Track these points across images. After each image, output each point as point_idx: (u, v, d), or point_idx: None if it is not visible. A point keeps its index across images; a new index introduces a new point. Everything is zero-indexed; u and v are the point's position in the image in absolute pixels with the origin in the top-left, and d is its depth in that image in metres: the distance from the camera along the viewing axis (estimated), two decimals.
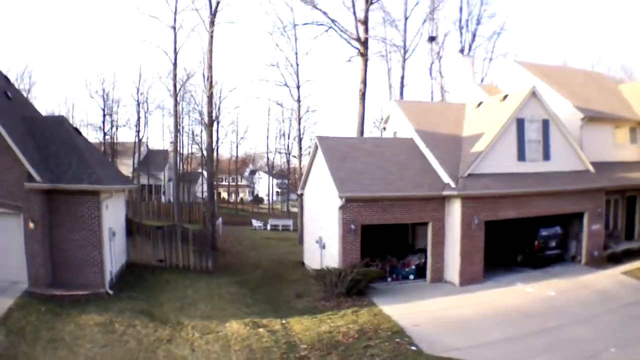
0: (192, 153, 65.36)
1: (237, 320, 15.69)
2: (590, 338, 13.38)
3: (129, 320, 14.75)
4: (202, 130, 54.38)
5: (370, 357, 12.47)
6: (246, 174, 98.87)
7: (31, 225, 16.28)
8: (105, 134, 54.02)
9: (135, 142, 55.20)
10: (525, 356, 12.33)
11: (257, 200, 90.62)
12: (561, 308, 16.14)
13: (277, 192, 79.83)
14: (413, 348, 12.97)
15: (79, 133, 23.50)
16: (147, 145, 61.79)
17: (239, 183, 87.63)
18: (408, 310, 16.19)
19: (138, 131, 52.87)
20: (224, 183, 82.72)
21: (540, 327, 14.42)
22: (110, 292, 17.48)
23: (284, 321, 15.91)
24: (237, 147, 74.46)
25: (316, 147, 22.83)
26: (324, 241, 20.96)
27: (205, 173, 67.51)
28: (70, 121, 42.45)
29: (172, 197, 60.24)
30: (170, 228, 24.89)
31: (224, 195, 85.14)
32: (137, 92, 52.13)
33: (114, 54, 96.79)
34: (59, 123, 20.51)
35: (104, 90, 54.27)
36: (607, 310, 15.73)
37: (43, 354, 12.12)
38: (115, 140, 56.21)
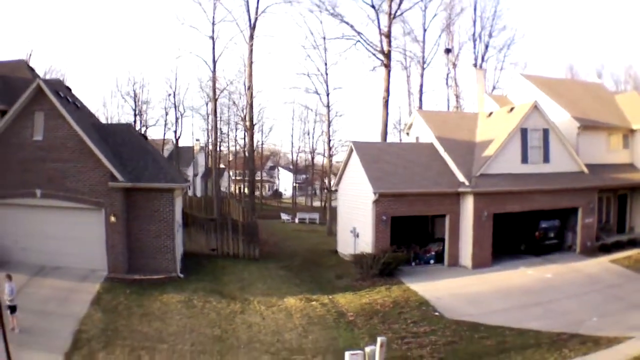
0: (220, 150, 68.32)
1: (292, 296, 18.58)
2: (577, 310, 16.23)
3: (204, 298, 17.27)
4: (237, 130, 56.84)
5: (404, 320, 15.87)
6: (267, 168, 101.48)
7: (112, 218, 18.49)
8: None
9: (163, 139, 57.39)
10: (523, 320, 15.27)
11: (277, 194, 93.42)
12: (555, 287, 19.11)
13: (295, 186, 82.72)
14: (436, 314, 16.41)
15: (145, 138, 26.62)
16: (176, 143, 64.87)
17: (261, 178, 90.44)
18: (430, 287, 19.46)
19: (175, 131, 55.33)
20: (247, 178, 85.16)
21: (536, 300, 17.46)
22: (181, 275, 19.95)
23: (330, 296, 18.93)
24: (262, 145, 76.91)
25: (351, 151, 25.90)
26: (357, 231, 24.07)
27: (229, 171, 71.06)
28: (104, 120, 45.08)
29: (197, 192, 63.57)
30: (222, 220, 27.76)
31: (246, 189, 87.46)
32: (174, 95, 54.06)
33: (149, 57, 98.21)
34: (127, 129, 23.06)
35: (134, 91, 55.61)
36: (594, 290, 18.59)
37: (140, 325, 14.14)
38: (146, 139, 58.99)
